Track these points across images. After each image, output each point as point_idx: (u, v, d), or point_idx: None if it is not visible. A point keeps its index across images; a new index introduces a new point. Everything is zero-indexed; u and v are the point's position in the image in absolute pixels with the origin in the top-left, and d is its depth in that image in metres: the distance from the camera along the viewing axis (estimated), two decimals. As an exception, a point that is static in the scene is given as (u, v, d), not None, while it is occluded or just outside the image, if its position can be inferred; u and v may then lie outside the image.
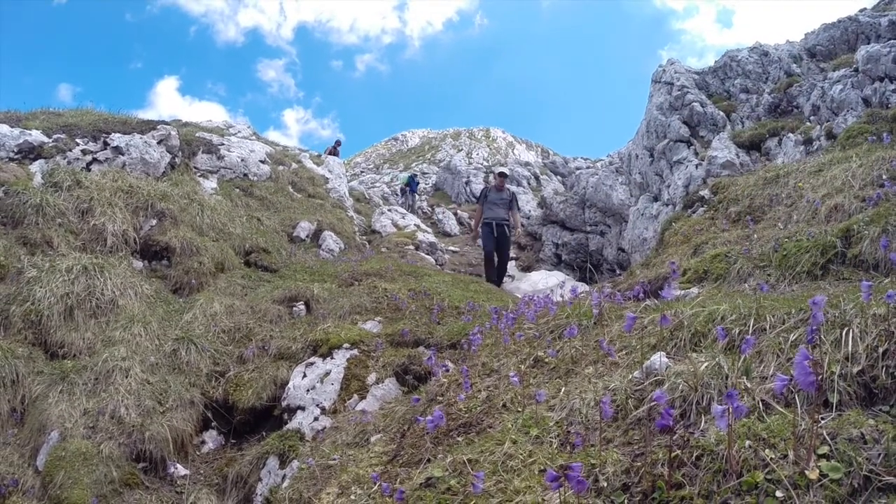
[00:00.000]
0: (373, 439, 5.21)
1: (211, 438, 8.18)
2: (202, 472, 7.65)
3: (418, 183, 34.98)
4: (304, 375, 7.93)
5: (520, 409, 3.28)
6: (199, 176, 15.94)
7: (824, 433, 1.98)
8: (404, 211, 25.44)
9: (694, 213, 10.76)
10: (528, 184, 36.98)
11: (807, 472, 1.87)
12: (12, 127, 13.05)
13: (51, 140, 13.23)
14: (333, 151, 30.91)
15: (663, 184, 16.89)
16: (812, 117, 14.58)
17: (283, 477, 6.33)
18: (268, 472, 6.70)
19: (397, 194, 36.10)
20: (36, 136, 13.09)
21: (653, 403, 2.37)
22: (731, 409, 1.84)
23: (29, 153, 12.69)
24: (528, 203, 30.60)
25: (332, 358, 8.05)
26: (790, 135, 14.00)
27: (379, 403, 7.04)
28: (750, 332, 2.79)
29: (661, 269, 7.68)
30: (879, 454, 1.88)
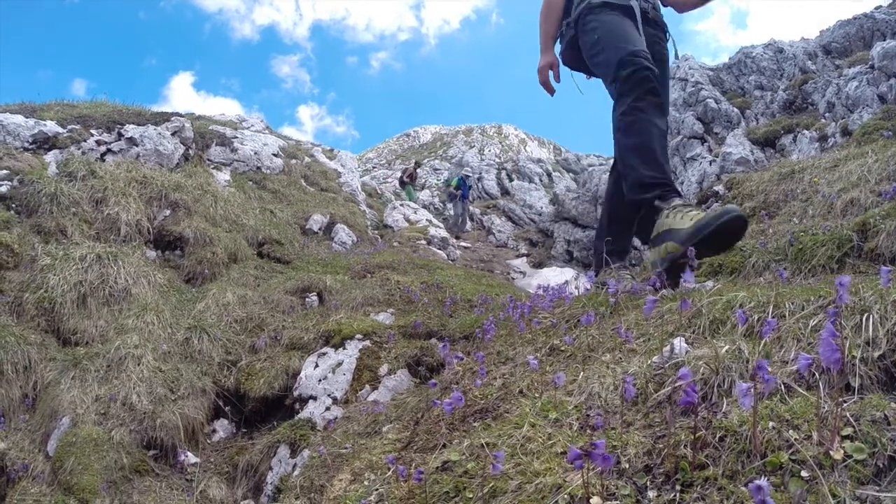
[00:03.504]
0: (385, 429, 5.21)
1: (222, 427, 8.21)
2: (213, 460, 7.67)
3: (470, 187, 29.01)
4: (316, 366, 7.93)
5: (537, 395, 3.27)
6: (213, 168, 15.99)
7: (848, 415, 1.97)
8: (416, 206, 25.40)
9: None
10: (541, 180, 36.91)
11: (831, 452, 1.85)
12: (27, 118, 13.12)
13: (65, 131, 13.31)
14: (412, 175, 30.11)
15: (677, 180, 16.84)
16: (827, 114, 14.52)
17: (294, 466, 6.34)
18: (278, 461, 6.71)
19: (405, 191, 34.17)
20: (51, 126, 13.16)
21: (676, 384, 2.37)
22: (757, 385, 1.83)
23: (44, 143, 12.77)
24: (539, 200, 30.54)
25: (344, 349, 8.06)
26: (805, 131, 13.95)
27: (391, 394, 7.04)
28: (769, 317, 2.78)
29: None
30: (904, 435, 1.87)
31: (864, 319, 2.48)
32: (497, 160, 43.78)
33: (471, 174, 31.41)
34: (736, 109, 17.28)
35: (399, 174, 31.73)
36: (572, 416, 2.73)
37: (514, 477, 2.40)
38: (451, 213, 27.69)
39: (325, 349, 8.26)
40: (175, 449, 7.46)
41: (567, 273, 17.54)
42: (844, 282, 1.92)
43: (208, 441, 8.01)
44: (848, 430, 1.95)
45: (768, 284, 4.03)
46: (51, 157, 12.50)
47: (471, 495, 2.51)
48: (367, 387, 7.36)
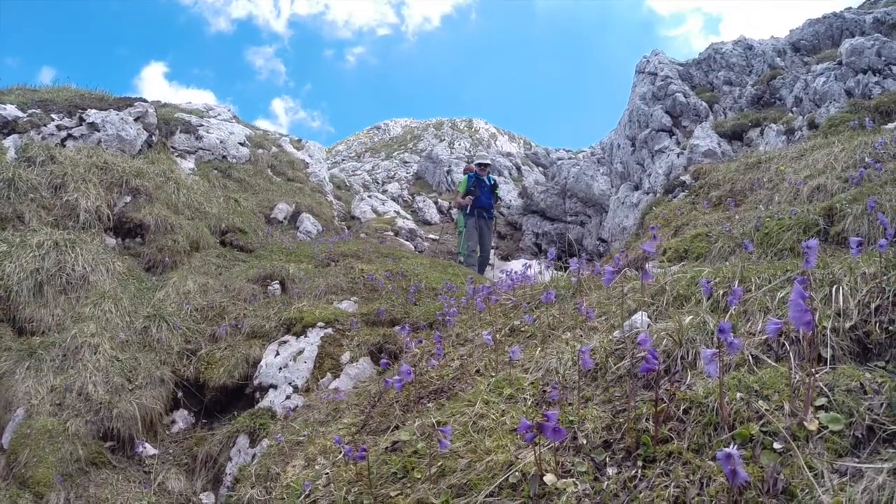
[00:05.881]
0: (345, 416, 5.09)
1: (181, 417, 8.01)
2: (171, 451, 7.48)
3: (495, 185, 15.40)
4: (277, 354, 7.78)
5: (493, 374, 3.15)
6: (177, 156, 15.71)
7: (821, 385, 1.87)
8: (384, 197, 25.20)
9: (674, 197, 10.70)
10: (510, 174, 36.90)
11: (805, 423, 1.76)
12: (-14, 101, 12.81)
13: (25, 115, 12.98)
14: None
15: (644, 172, 16.85)
16: (794, 108, 14.59)
17: (253, 456, 6.20)
18: (238, 452, 6.57)
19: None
20: (10, 110, 12.83)
21: (637, 355, 2.25)
22: (723, 352, 1.71)
23: (3, 128, 12.45)
24: (509, 193, 30.51)
25: (305, 336, 7.92)
26: (772, 125, 14.00)
27: (353, 382, 6.91)
28: (734, 287, 2.69)
29: (640, 252, 7.60)
30: (882, 404, 1.77)
31: (833, 291, 2.39)
32: (467, 154, 43.72)
33: (488, 160, 16.42)
34: (704, 103, 17.33)
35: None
36: (528, 392, 2.61)
37: (465, 455, 2.27)
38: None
39: (286, 337, 8.11)
40: (133, 440, 7.25)
41: (535, 265, 17.42)
42: (812, 244, 1.82)
43: (167, 432, 7.82)
44: (822, 401, 1.85)
45: (733, 266, 3.96)
46: (10, 141, 12.18)
47: (419, 475, 2.38)
48: (329, 375, 7.23)
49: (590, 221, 21.54)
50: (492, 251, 15.67)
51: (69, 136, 13.20)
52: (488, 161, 16.04)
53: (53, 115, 13.47)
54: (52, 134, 12.95)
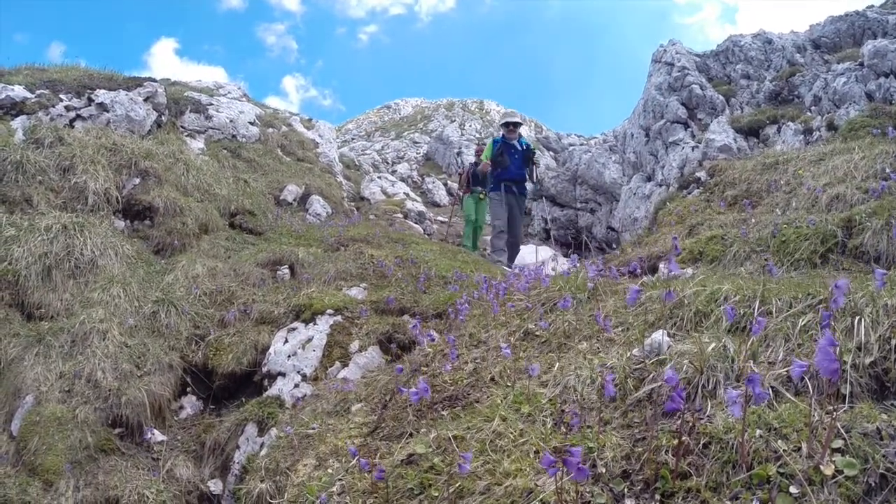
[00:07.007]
0: (353, 409, 5.09)
1: (189, 404, 8.02)
2: (179, 438, 7.49)
3: (529, 149, 13.10)
4: (286, 341, 7.78)
5: (509, 384, 3.14)
6: (186, 136, 15.66)
7: (839, 426, 1.86)
8: (394, 178, 25.17)
9: (689, 193, 10.65)
10: (520, 159, 36.88)
11: (822, 467, 1.75)
12: (-6, 82, 12.75)
13: (34, 96, 12.91)
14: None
15: (657, 164, 16.78)
16: (813, 108, 14.49)
17: (262, 445, 6.20)
18: (246, 440, 6.57)
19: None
20: (18, 91, 12.77)
21: (658, 384, 2.24)
22: (747, 395, 1.70)
23: (11, 109, 12.37)
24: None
25: (314, 324, 7.91)
26: (790, 123, 13.91)
27: (361, 372, 6.91)
28: (755, 314, 2.67)
29: (653, 248, 7.57)
30: (896, 452, 1.76)
31: (855, 323, 2.37)
32: (478, 135, 43.63)
33: (518, 118, 13.47)
34: (721, 97, 17.21)
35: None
36: (546, 412, 2.60)
37: (483, 476, 2.26)
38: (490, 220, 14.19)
39: (295, 324, 8.10)
40: (141, 427, 7.25)
41: (544, 251, 17.29)
42: (841, 284, 1.80)
43: (175, 418, 7.82)
44: (839, 443, 1.85)
45: (751, 276, 3.94)
46: (18, 123, 12.09)
47: (436, 493, 2.38)
48: (338, 364, 7.23)
49: (600, 209, 21.50)
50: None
51: (78, 116, 13.15)
52: (518, 119, 13.02)
53: (62, 96, 13.40)
54: (61, 115, 12.89)
